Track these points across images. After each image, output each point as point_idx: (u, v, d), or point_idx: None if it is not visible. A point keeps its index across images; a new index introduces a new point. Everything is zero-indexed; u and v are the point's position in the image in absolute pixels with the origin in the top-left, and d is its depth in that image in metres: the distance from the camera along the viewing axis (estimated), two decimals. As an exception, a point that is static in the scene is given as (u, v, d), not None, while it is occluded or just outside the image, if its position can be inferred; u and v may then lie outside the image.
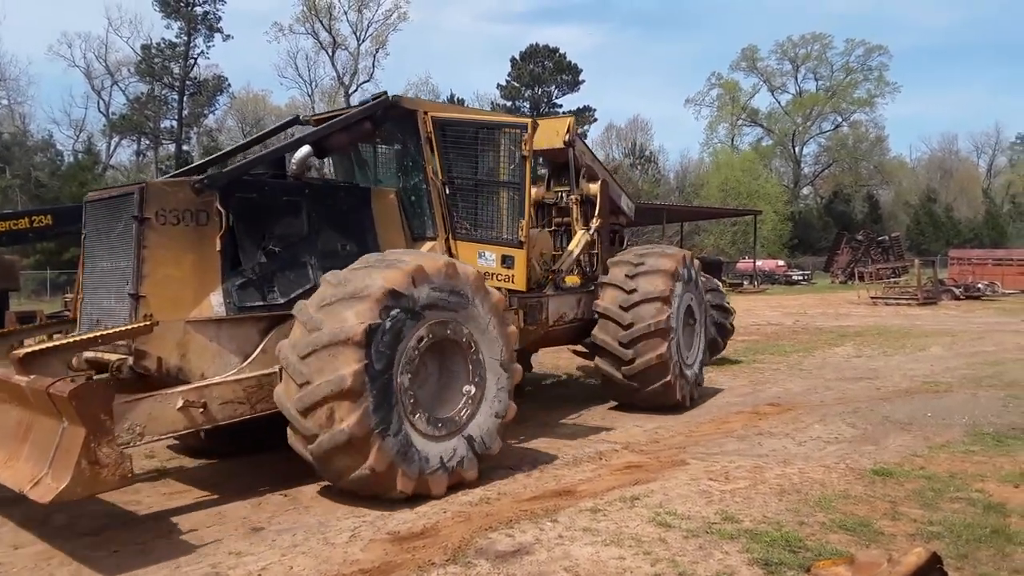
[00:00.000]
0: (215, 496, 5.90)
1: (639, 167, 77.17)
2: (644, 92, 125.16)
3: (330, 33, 66.74)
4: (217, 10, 62.54)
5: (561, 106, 70.45)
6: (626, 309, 8.46)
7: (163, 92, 62.88)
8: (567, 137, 9.07)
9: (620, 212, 10.77)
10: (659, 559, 4.48)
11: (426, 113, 7.17)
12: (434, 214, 7.23)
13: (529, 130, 6.98)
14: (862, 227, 62.70)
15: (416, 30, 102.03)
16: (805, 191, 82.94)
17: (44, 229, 17.59)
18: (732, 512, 5.27)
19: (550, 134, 9.04)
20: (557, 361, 13.08)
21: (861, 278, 45.00)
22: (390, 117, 7.22)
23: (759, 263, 50.28)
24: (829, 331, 17.90)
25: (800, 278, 52.75)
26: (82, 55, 78.42)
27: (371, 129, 7.20)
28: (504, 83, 68.99)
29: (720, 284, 13.24)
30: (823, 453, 6.90)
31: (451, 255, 6.93)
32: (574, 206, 9.33)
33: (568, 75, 69.10)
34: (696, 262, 9.48)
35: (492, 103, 70.55)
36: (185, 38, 61.92)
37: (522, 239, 7.05)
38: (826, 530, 4.88)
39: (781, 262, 57.13)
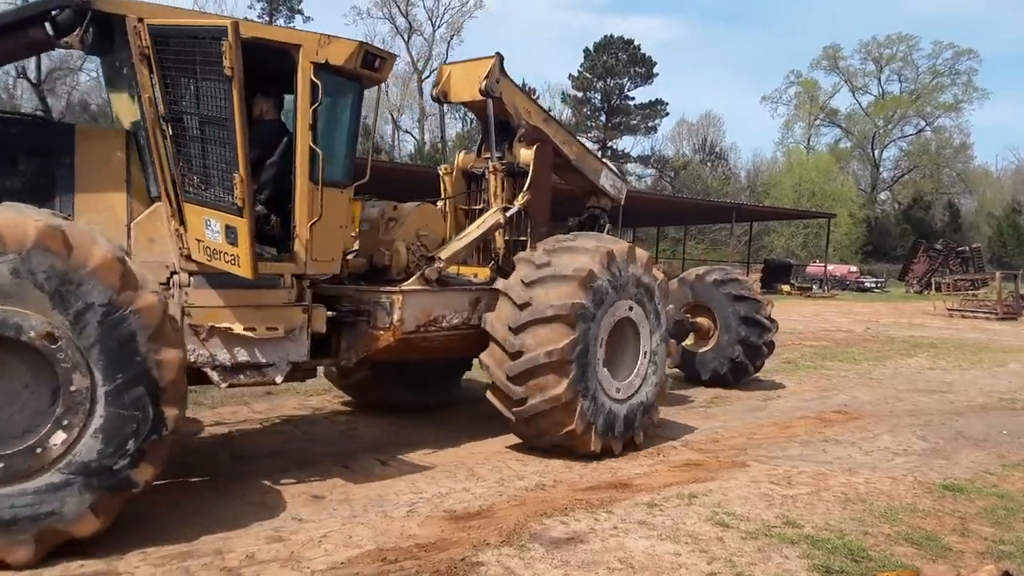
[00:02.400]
0: (278, 463, 6.06)
1: (709, 164, 75.90)
2: (718, 87, 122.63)
3: (406, 18, 67.37)
4: (297, -2, 63.77)
5: (633, 98, 69.62)
6: (515, 331, 6.24)
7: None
8: (483, 84, 7.18)
9: (599, 192, 8.85)
10: (716, 558, 4.43)
11: (140, 21, 4.94)
12: (156, 164, 5.21)
13: (230, 37, 4.73)
14: (941, 236, 60.34)
15: (491, 17, 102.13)
16: (882, 196, 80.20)
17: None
18: (793, 517, 5.17)
19: (472, 80, 7.31)
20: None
21: (938, 288, 43.30)
22: (86, 23, 4.94)
23: (830, 268, 48.85)
24: (902, 341, 17.31)
25: (873, 285, 51.06)
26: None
27: (46, 39, 5.05)
28: (576, 74, 68.51)
29: (754, 290, 10.56)
30: (891, 464, 6.69)
31: (182, 224, 5.23)
32: (492, 176, 7.41)
33: (642, 67, 68.10)
34: (642, 256, 7.05)
35: (563, 93, 70.28)
36: (266, 18, 63.35)
37: (239, 203, 4.91)
38: (891, 542, 4.74)
39: (853, 268, 55.34)
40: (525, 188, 7.34)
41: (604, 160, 9.05)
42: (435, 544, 4.50)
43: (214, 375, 5.34)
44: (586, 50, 68.14)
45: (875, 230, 68.96)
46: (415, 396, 8.20)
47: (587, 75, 68.27)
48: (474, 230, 7.04)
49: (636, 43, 67.61)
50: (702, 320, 10.48)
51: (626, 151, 73.92)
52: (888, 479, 6.18)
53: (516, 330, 6.23)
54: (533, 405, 6.20)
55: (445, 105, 9.79)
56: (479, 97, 7.29)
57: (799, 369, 12.62)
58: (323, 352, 6.08)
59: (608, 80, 68.40)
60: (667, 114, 71.07)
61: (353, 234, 6.77)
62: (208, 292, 5.35)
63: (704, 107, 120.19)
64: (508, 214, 7.13)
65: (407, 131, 71.50)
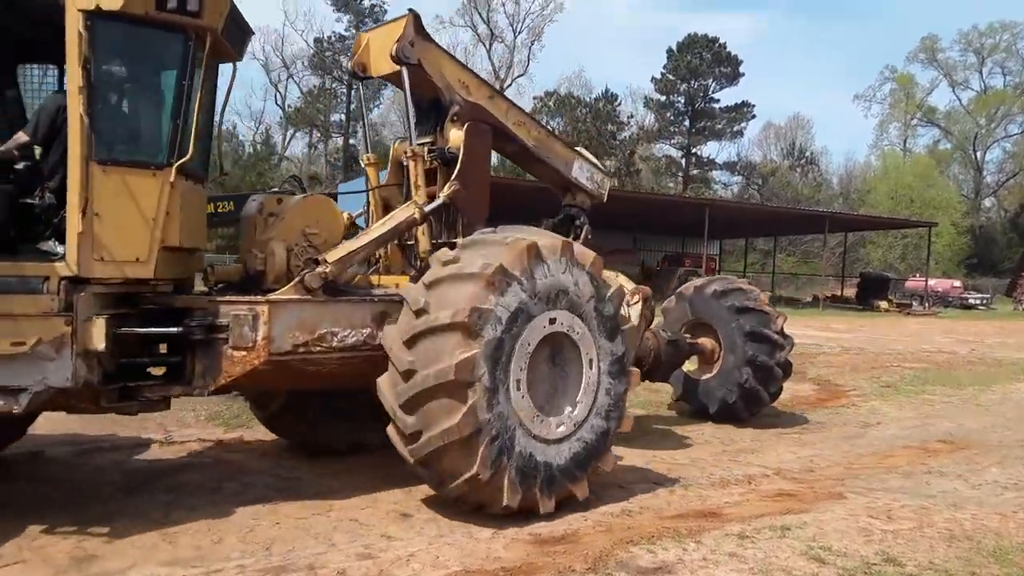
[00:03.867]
0: (368, 480, 6.18)
1: (799, 169, 73.61)
2: (807, 87, 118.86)
3: (488, 25, 68.14)
4: (383, 3, 65.22)
5: (718, 101, 68.18)
6: (407, 345, 4.98)
7: (333, 85, 66.54)
8: (394, 48, 6.06)
9: (574, 187, 7.66)
10: (811, 596, 4.26)
11: None
12: None
13: None
14: (1055, 248, 56.69)
15: (572, 21, 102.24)
16: (987, 203, 75.75)
17: (227, 214, 19.19)
18: (894, 554, 4.92)
19: (389, 48, 6.22)
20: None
21: (1051, 305, 40.65)
22: None
23: (931, 282, 46.54)
24: (1011, 364, 16.32)
25: (977, 302, 48.26)
26: (261, 48, 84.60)
27: None
28: (659, 76, 67.62)
29: (761, 300, 9.03)
30: (1000, 499, 6.30)
31: None
32: (411, 164, 6.31)
33: (727, 67, 66.49)
34: (585, 256, 5.65)
35: (646, 97, 69.47)
36: (353, 31, 65.17)
37: None
38: (1003, 586, 4.46)
39: (957, 282, 52.44)
40: (452, 177, 6.16)
41: (578, 149, 7.81)
42: (520, 568, 4.49)
43: None
44: (669, 50, 67.08)
45: (980, 240, 65.33)
46: (346, 433, 6.75)
47: (670, 77, 67.19)
48: (378, 227, 5.97)
49: (721, 41, 66.07)
50: (704, 341, 8.94)
51: (711, 157, 72.56)
52: (997, 515, 5.82)
53: (408, 343, 4.95)
54: (427, 440, 4.87)
55: (365, 81, 7.10)
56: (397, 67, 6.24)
57: (899, 394, 12.06)
58: (175, 378, 5.10)
59: (692, 82, 67.14)
60: (754, 116, 69.34)
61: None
62: None
63: (792, 109, 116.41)
64: (427, 209, 6.01)
65: (491, 142, 71.97)
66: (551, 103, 65.44)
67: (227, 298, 5.19)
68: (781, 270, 55.09)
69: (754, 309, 8.75)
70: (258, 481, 5.99)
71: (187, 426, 7.87)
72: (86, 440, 6.94)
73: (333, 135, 68.11)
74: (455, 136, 6.32)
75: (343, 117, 66.91)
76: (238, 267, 5.88)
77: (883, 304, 40.16)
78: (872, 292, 42.86)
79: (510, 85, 68.14)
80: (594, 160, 7.82)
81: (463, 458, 4.86)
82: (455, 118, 6.35)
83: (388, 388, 5.06)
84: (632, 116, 68.33)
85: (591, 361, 5.59)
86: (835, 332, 23.18)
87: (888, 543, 5.13)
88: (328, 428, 6.65)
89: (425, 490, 5.89)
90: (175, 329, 4.92)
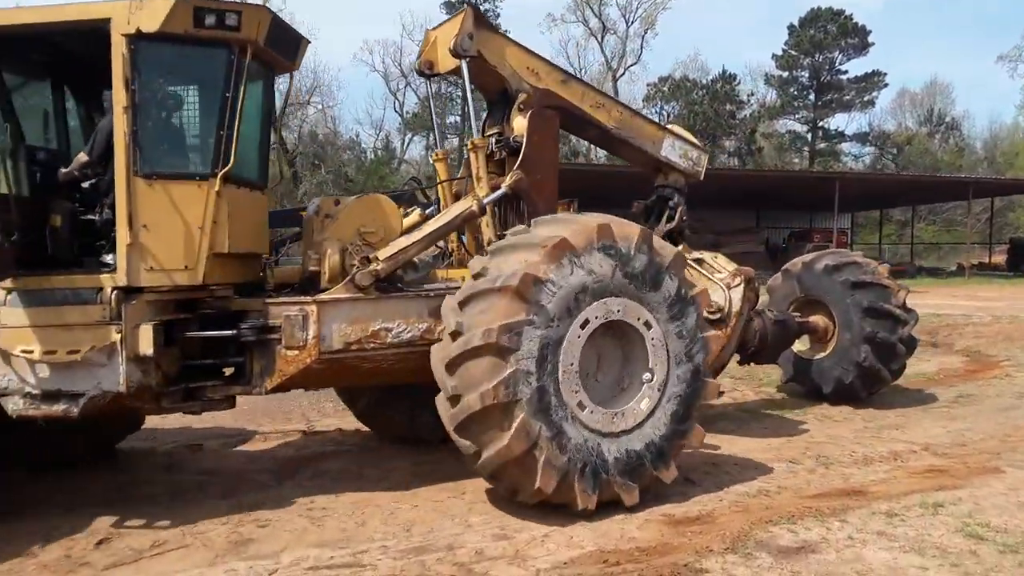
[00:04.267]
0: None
1: (938, 136, 68.89)
2: (944, 51, 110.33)
3: (599, 18, 67.50)
4: (495, 7, 66.00)
5: (846, 72, 64.73)
6: (448, 369, 4.82)
7: (448, 90, 67.97)
8: (452, 43, 5.97)
9: (666, 167, 7.27)
10: (969, 573, 4.02)
11: None
12: None
13: None
14: None
15: (686, 6, 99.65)
16: None
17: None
18: (1063, 531, 4.55)
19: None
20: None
21: None
22: None
23: (1096, 244, 42.38)
24: None
25: None
26: (380, 60, 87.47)
27: None
28: (780, 52, 64.93)
29: (880, 273, 8.33)
30: None
31: None
32: (472, 155, 6.14)
33: (854, 38, 63.05)
34: (629, 234, 5.17)
35: (766, 75, 66.93)
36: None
37: None
38: None
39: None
40: (515, 167, 6.02)
41: (668, 126, 7.46)
42: (656, 548, 4.45)
43: (7, 403, 4.78)
44: (791, 26, 64.27)
45: None
46: (437, 425, 6.04)
47: (792, 53, 64.42)
48: (432, 222, 5.88)
49: (847, 13, 62.73)
50: (817, 319, 8.39)
51: (840, 130, 68.99)
52: None
53: (448, 368, 4.81)
54: (488, 460, 4.77)
55: (433, 78, 7.09)
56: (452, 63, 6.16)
57: (1063, 361, 11.07)
58: (236, 378, 5.33)
59: (816, 56, 64.12)
60: (886, 85, 65.28)
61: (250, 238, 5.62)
62: (18, 311, 4.81)
63: (928, 74, 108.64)
64: (487, 200, 5.91)
65: (604, 131, 71.45)
66: (665, 88, 64.22)
67: (279, 299, 5.31)
68: (920, 240, 51.92)
69: (871, 283, 8.13)
70: (396, 466, 6.23)
71: (328, 415, 8.26)
72: (236, 432, 7.42)
73: (449, 136, 69.59)
74: (520, 124, 6.19)
75: (458, 119, 68.13)
76: (297, 268, 5.93)
77: (1038, 270, 36.98)
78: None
79: (623, 74, 67.25)
80: (687, 136, 7.46)
81: (524, 474, 4.76)
82: (522, 106, 6.24)
83: (443, 411, 4.96)
84: (752, 94, 65.97)
85: (657, 347, 5.18)
86: (984, 301, 21.51)
87: (1056, 519, 4.75)
88: (419, 420, 6.63)
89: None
90: (230, 332, 5.11)
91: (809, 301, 8.53)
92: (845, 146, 69.59)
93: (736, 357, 7.55)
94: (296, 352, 5.16)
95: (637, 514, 5.02)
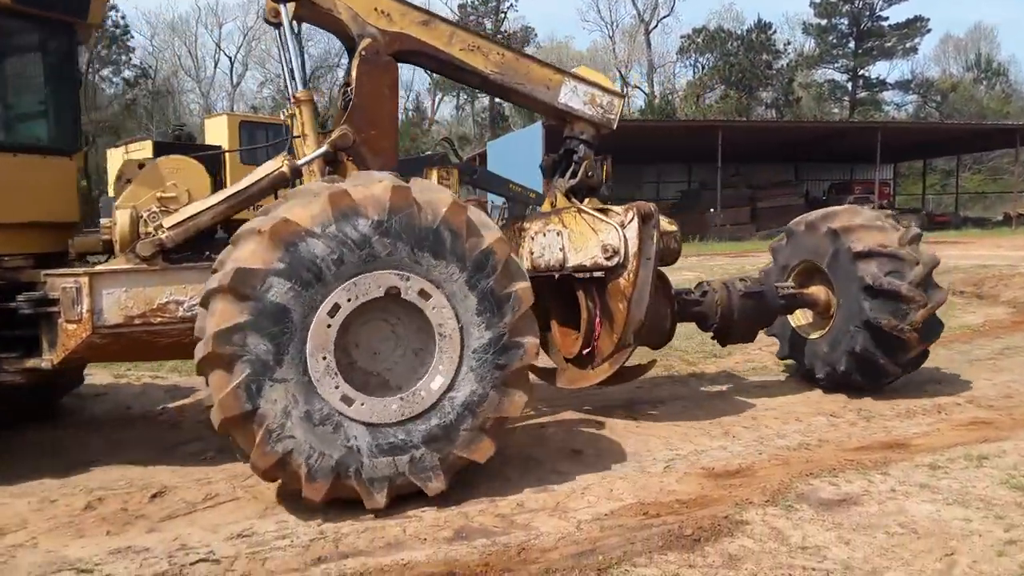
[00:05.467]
0: (536, 419, 6.36)
1: (984, 82, 66.60)
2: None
3: (631, -30, 66.00)
4: (514, -37, 64.64)
5: (887, 18, 62.63)
6: (202, 306, 4.37)
7: (478, 47, 67.09)
8: None
9: (570, 116, 6.35)
10: (1015, 525, 3.98)
11: None
12: None
13: None
14: None
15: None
16: None
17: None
18: (1112, 483, 4.47)
19: None
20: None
21: None
22: None
23: None
24: None
25: None
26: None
27: None
28: (819, 1, 62.97)
29: (893, 240, 6.59)
30: None
31: None
32: (296, 109, 5.56)
33: (895, -19, 60.99)
34: (436, 202, 4.40)
35: (804, 23, 65.05)
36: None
37: None
38: None
39: None
40: (342, 121, 5.47)
41: (571, 70, 6.50)
42: (696, 500, 4.48)
43: None
44: (829, -28, 62.26)
45: None
46: None
47: (831, 0, 62.55)
48: (237, 186, 5.28)
49: (888, -44, 60.47)
50: (817, 290, 7.02)
51: (881, 78, 67.08)
52: None
53: (201, 305, 4.38)
54: (253, 468, 4.31)
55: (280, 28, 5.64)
56: (324, 4, 5.51)
57: (1114, 312, 10.79)
58: (30, 351, 5.04)
59: (856, 2, 62.17)
60: (928, 31, 63.22)
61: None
62: None
63: (973, 18, 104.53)
64: (302, 162, 5.34)
65: (636, 86, 70.31)
66: (699, 40, 62.79)
67: (59, 272, 5.00)
68: (965, 189, 50.55)
69: (876, 253, 6.44)
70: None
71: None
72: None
73: (479, 96, 69.01)
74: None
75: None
76: (98, 238, 5.45)
77: (1091, 220, 35.87)
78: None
79: (655, 26, 65.88)
80: (597, 80, 6.46)
81: (243, 437, 4.20)
82: (364, 53, 5.56)
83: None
84: (789, 43, 64.27)
85: (450, 330, 4.42)
86: (1033, 252, 20.97)
87: (1105, 471, 4.67)
88: None
89: (591, 429, 6.00)
90: (12, 304, 4.89)
91: (811, 269, 7.12)
92: (887, 95, 67.68)
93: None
94: (74, 326, 4.87)
95: (676, 467, 5.06)
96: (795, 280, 7.25)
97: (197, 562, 3.85)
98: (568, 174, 6.36)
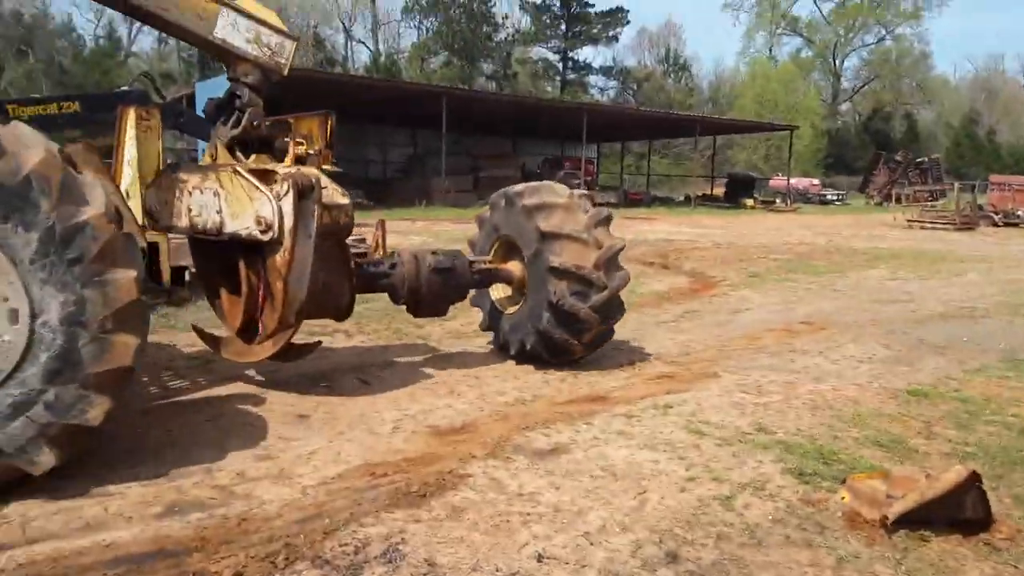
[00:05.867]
0: (256, 383, 6.08)
1: (672, 75, 75.16)
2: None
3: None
4: None
5: (593, 5, 67.98)
6: None
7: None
8: None
9: (230, 55, 5.62)
10: (693, 464, 4.58)
11: None
12: None
13: None
14: (901, 148, 61.05)
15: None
16: (844, 107, 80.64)
17: (72, 116, 17.63)
18: (765, 424, 5.35)
19: None
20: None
21: (898, 200, 44.12)
22: None
23: (793, 181, 49.36)
24: (863, 253, 17.68)
25: (834, 198, 51.94)
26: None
27: None
28: (535, -19, 66.46)
29: (581, 222, 6.54)
30: (856, 372, 6.93)
31: None
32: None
33: (600, -28, 66.43)
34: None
35: (521, 0, 68.21)
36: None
37: None
38: (860, 445, 4.95)
39: (815, 181, 56.17)
40: None
41: (235, 3, 5.58)
42: (422, 458, 4.58)
43: None
44: (538, -45, 65.95)
45: (836, 142, 69.72)
46: None
47: (543, -18, 66.35)
48: None
49: (593, -53, 65.49)
50: (513, 266, 6.94)
51: (588, 62, 72.74)
52: (854, 386, 6.40)
53: None
54: None
55: None
56: None
57: (765, 282, 12.86)
58: None
59: (565, -13, 66.56)
60: (628, 22, 69.97)
61: None
62: None
63: (665, 14, 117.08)
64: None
65: (360, 41, 69.04)
66: (423, 1, 63.14)
67: None
68: (655, 172, 56.80)
69: (562, 235, 6.42)
70: (140, 391, 5.76)
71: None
72: None
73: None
74: None
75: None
76: None
77: (749, 202, 42.59)
78: (739, 191, 45.24)
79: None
80: (263, 16, 5.72)
81: None
82: None
83: None
84: (507, 17, 67.11)
85: (12, 281, 3.74)
86: (706, 228, 24.28)
87: (759, 415, 5.56)
88: None
89: (321, 394, 5.88)
90: None
91: (512, 243, 6.91)
92: (592, 79, 73.70)
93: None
94: None
95: (404, 427, 5.13)
96: (497, 253, 7.14)
97: None
98: (231, 123, 5.75)
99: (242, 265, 5.53)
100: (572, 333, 6.50)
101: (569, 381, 6.44)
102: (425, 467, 4.43)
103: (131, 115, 5.68)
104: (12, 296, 3.74)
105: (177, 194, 5.53)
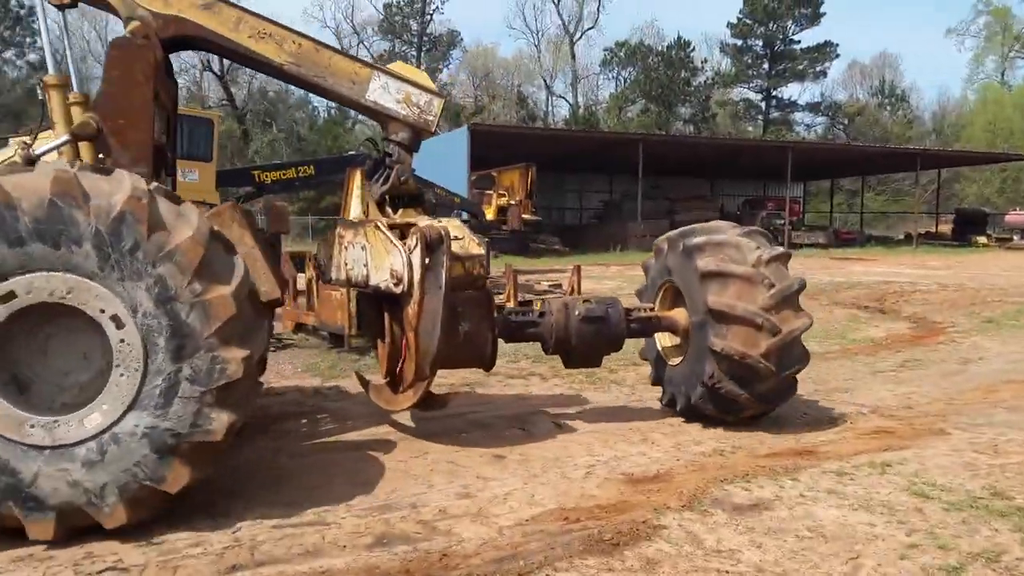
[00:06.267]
0: (459, 424, 6.35)
1: (888, 107, 70.35)
2: (894, 23, 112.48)
3: (557, -20, 66.86)
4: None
5: (799, 42, 65.61)
6: None
7: (403, 49, 66.83)
8: None
9: (380, 115, 5.93)
10: (915, 529, 4.18)
11: None
12: None
13: None
14: None
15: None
16: (1094, 132, 70.94)
17: (308, 178, 19.72)
18: (1002, 488, 4.76)
19: None
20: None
21: None
22: None
23: (1032, 215, 44.01)
24: (1125, 295, 15.34)
25: (1085, 234, 45.51)
26: (332, 16, 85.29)
27: None
28: (735, 20, 65.38)
29: (744, 261, 5.92)
30: (1119, 433, 5.99)
31: None
32: (48, 94, 5.27)
33: (807, 8, 63.90)
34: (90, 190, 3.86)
35: (721, 43, 67.41)
36: (422, -7, 64.77)
37: None
38: (1124, 519, 4.26)
39: (1062, 215, 49.58)
40: (93, 106, 5.07)
41: (378, 65, 6.00)
42: (615, 506, 4.54)
43: None
44: (745, -6, 64.80)
45: (1088, 171, 61.32)
46: None
47: (747, 21, 65.15)
48: None
49: (800, -18, 63.42)
50: (676, 313, 6.46)
51: (792, 99, 70.15)
52: (1116, 450, 5.54)
53: None
54: None
55: (63, 8, 5.51)
56: None
57: (1002, 329, 11.51)
58: None
59: (770, 24, 64.89)
60: (837, 56, 66.73)
61: None
62: None
63: (879, 47, 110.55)
64: (40, 151, 4.80)
65: (560, 96, 71.19)
66: (621, 53, 64.21)
67: None
68: (870, 209, 53.17)
69: (725, 274, 5.83)
70: (357, 427, 6.22)
71: (286, 378, 8.19)
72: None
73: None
74: None
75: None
76: None
77: (981, 239, 38.46)
78: (969, 227, 41.03)
79: (580, 38, 67.00)
80: (412, 77, 5.93)
81: None
82: (119, 37, 5.19)
83: None
84: (706, 61, 66.50)
85: (127, 340, 3.90)
86: (930, 269, 22.23)
87: (995, 477, 4.97)
88: None
89: (516, 435, 6.03)
90: None
91: (675, 289, 6.51)
92: (798, 115, 70.93)
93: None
94: None
95: (597, 473, 5.12)
96: (664, 300, 6.74)
97: (104, 571, 3.67)
98: (381, 179, 5.99)
99: (386, 317, 5.78)
100: (742, 384, 5.81)
101: (772, 432, 6.12)
102: (618, 515, 4.38)
103: (357, 176, 6.24)
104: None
105: (337, 249, 5.91)
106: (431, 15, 66.59)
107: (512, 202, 30.24)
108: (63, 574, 3.63)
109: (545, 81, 69.90)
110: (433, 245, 5.15)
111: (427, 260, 5.11)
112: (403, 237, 5.34)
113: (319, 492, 4.75)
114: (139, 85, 5.05)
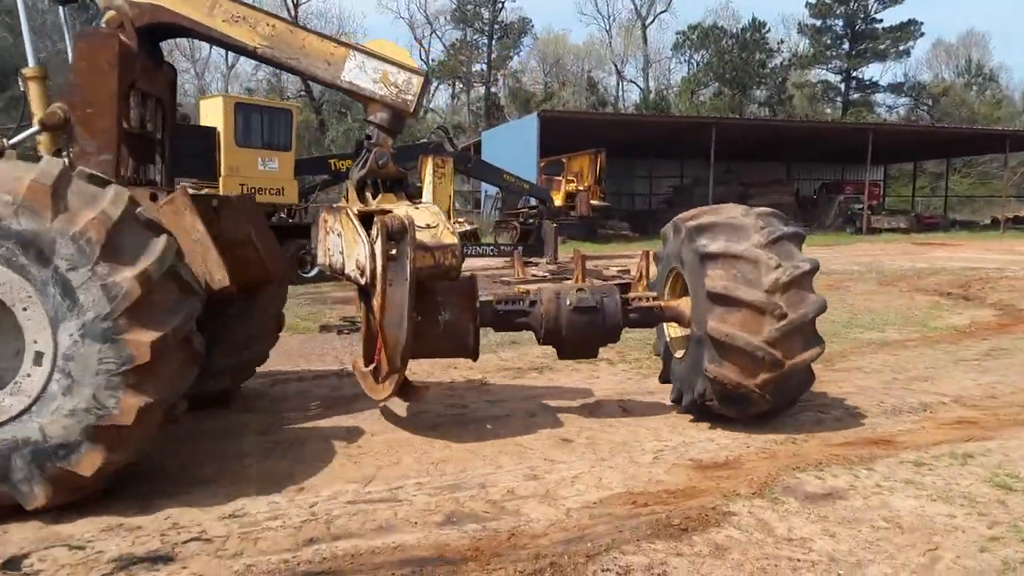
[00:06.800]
0: (527, 407, 6.41)
1: (975, 87, 67.10)
2: (982, 0, 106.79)
3: (630, -37, 65.92)
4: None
5: (881, 21, 62.94)
6: None
7: (474, 37, 67.14)
8: None
9: (357, 96, 5.81)
10: (997, 522, 4.04)
11: None
12: None
13: None
14: None
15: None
16: None
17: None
18: (1094, 483, 4.55)
19: None
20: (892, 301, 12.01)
21: None
22: None
23: None
24: None
25: None
26: (406, 6, 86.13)
27: None
28: (814, 1, 63.15)
29: (754, 242, 5.40)
30: None
31: None
32: (29, 85, 5.39)
33: (890, -15, 61.31)
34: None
35: (799, 23, 65.31)
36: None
37: None
38: None
39: None
40: (60, 96, 5.15)
41: (354, 43, 5.83)
42: (684, 491, 4.53)
43: None
44: (824, -26, 62.52)
45: None
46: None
47: (826, 1, 62.78)
48: None
49: (882, -40, 60.81)
50: (682, 302, 6.06)
51: (874, 80, 67.52)
52: None
53: None
54: None
55: (68, 5, 5.91)
56: None
57: (1097, 317, 10.92)
58: None
59: (851, 3, 62.43)
60: (922, 35, 63.69)
61: None
62: None
63: (965, 24, 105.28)
64: (13, 140, 4.98)
65: (632, 80, 70.37)
66: (694, 37, 62.96)
67: None
68: (954, 192, 50.96)
69: (724, 255, 5.39)
70: (428, 408, 6.35)
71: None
72: (273, 372, 7.57)
73: (475, 85, 68.86)
74: None
75: (484, 67, 67.48)
76: None
77: (1076, 226, 36.33)
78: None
79: (652, 22, 65.98)
80: (390, 56, 5.70)
81: None
82: (108, 25, 5.24)
83: None
84: (782, 42, 64.54)
85: (40, 327, 3.97)
86: (1018, 255, 21.18)
87: (1086, 471, 4.75)
88: None
89: (583, 419, 6.05)
90: None
91: (680, 276, 6.06)
92: (879, 97, 68.34)
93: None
94: None
95: (665, 458, 5.11)
96: (672, 289, 6.35)
97: (189, 541, 3.86)
98: (359, 164, 5.84)
99: (363, 306, 5.71)
100: (747, 375, 5.31)
101: (847, 422, 5.98)
102: (687, 500, 4.37)
103: (428, 163, 6.33)
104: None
105: (321, 234, 5.88)
106: (503, 3, 66.64)
107: (581, 188, 30.23)
108: (151, 543, 3.83)
109: (616, 66, 69.22)
110: (396, 235, 4.94)
111: (391, 251, 4.94)
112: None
113: (391, 470, 4.88)
114: (105, 74, 5.10)
